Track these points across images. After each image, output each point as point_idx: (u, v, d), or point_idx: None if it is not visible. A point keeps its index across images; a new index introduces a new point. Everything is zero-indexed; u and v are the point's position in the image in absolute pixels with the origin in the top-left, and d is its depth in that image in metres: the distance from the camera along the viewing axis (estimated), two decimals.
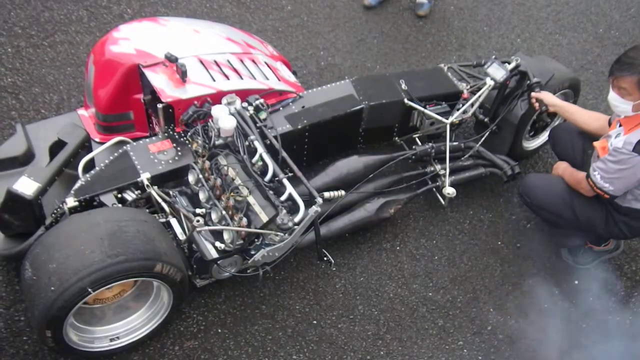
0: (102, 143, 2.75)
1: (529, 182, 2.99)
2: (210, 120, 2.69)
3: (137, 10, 4.11)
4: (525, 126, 3.35)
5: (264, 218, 2.40)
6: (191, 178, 2.60)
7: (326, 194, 2.83)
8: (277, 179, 2.51)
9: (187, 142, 2.68)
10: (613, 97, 2.57)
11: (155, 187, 2.49)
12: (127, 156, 2.56)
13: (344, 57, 4.13)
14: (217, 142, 2.65)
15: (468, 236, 3.25)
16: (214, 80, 2.78)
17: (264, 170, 2.54)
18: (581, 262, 3.15)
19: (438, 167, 3.18)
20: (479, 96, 3.18)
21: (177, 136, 2.70)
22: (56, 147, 2.57)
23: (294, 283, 2.91)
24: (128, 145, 2.63)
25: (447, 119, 3.15)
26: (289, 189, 2.48)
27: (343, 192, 2.90)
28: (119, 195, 2.48)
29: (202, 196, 2.54)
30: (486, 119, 3.31)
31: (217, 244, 2.41)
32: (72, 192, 2.41)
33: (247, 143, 2.61)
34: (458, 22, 4.58)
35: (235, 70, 2.90)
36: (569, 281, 3.11)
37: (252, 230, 2.40)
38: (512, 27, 4.63)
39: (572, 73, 3.55)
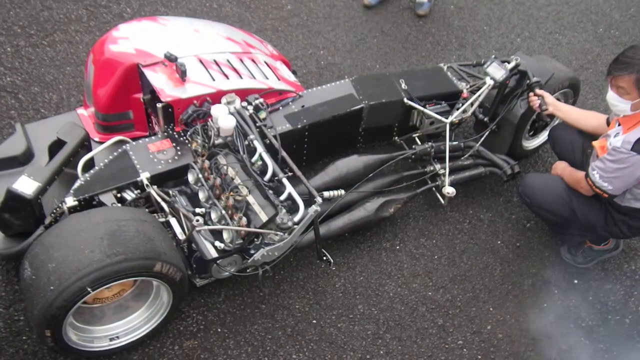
0: (101, 142, 2.76)
1: (529, 182, 2.99)
2: (209, 119, 2.69)
3: (137, 10, 4.11)
4: (524, 126, 3.35)
5: (264, 217, 2.40)
6: (191, 177, 2.60)
7: (326, 194, 2.83)
8: (276, 178, 2.51)
9: (186, 141, 2.68)
10: (611, 96, 2.57)
11: (155, 187, 2.49)
12: (127, 156, 2.56)
13: (343, 57, 4.13)
14: (216, 142, 2.65)
15: (468, 235, 3.25)
16: (214, 80, 2.78)
17: (263, 170, 2.54)
18: (581, 262, 3.15)
19: (438, 166, 3.18)
20: (479, 96, 3.18)
21: (176, 136, 2.70)
22: (55, 147, 2.57)
23: (294, 282, 2.91)
24: (127, 145, 2.63)
25: (447, 118, 3.15)
26: (289, 188, 2.48)
27: (343, 192, 2.90)
28: (119, 195, 2.48)
29: (201, 196, 2.54)
30: (486, 119, 3.31)
31: (217, 243, 2.41)
32: (71, 191, 2.41)
33: (246, 142, 2.61)
34: (458, 22, 4.58)
35: (235, 70, 2.90)
36: (568, 280, 3.11)
37: (252, 229, 2.40)
38: (512, 27, 4.63)
39: (572, 72, 3.55)
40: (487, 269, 3.12)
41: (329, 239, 2.96)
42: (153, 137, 2.68)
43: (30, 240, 2.36)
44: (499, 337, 2.86)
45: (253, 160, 2.56)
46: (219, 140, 2.66)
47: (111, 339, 2.48)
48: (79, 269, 2.06)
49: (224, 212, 2.44)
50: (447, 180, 3.13)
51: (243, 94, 2.79)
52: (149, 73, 2.68)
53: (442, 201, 3.22)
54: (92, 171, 2.49)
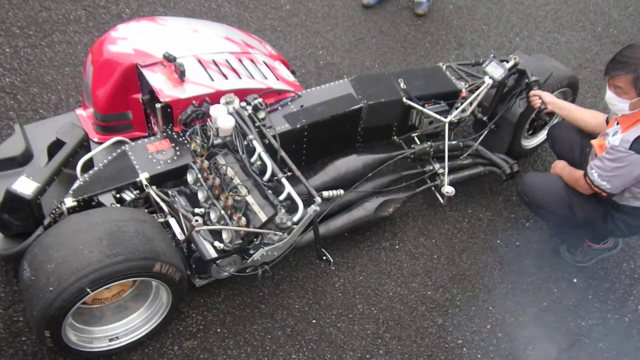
0: (100, 143, 2.75)
1: (528, 181, 2.99)
2: (208, 119, 2.69)
3: (136, 10, 4.11)
4: (523, 125, 3.35)
5: (263, 217, 2.40)
6: (190, 178, 2.60)
7: (325, 193, 2.83)
8: (275, 178, 2.51)
9: (185, 141, 2.68)
10: (610, 96, 2.58)
11: (154, 187, 2.49)
12: (126, 156, 2.56)
13: (342, 56, 4.13)
14: (215, 142, 2.65)
15: (467, 235, 3.25)
16: (213, 80, 2.78)
17: (262, 170, 2.54)
18: (580, 260, 3.16)
19: (437, 165, 3.18)
20: (478, 95, 3.18)
21: (175, 136, 2.70)
22: (54, 147, 2.57)
23: (293, 282, 2.91)
24: (126, 145, 2.63)
25: (446, 117, 3.15)
26: (288, 188, 2.48)
27: (342, 192, 2.90)
28: (118, 195, 2.48)
29: (200, 196, 2.54)
30: (485, 118, 3.31)
31: (216, 243, 2.41)
32: (70, 192, 2.41)
33: (245, 142, 2.61)
34: (457, 21, 4.58)
35: (234, 70, 2.90)
36: (567, 279, 3.12)
37: (251, 229, 2.39)
38: (511, 26, 4.63)
39: (571, 71, 3.55)
40: (486, 268, 3.12)
41: (328, 238, 2.96)
42: (152, 138, 2.69)
43: (29, 240, 2.36)
44: (499, 336, 2.86)
45: (252, 160, 2.56)
46: (218, 141, 2.65)
47: (111, 340, 2.48)
48: (78, 269, 2.06)
49: (223, 212, 2.44)
50: (446, 179, 3.13)
51: (242, 94, 2.79)
52: (147, 73, 2.67)
53: (442, 200, 3.22)
54: (91, 172, 2.49)
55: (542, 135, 3.58)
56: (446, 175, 3.14)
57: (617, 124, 2.63)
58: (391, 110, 3.21)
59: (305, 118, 2.94)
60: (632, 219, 2.76)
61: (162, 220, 2.48)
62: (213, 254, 2.40)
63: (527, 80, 3.16)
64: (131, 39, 2.81)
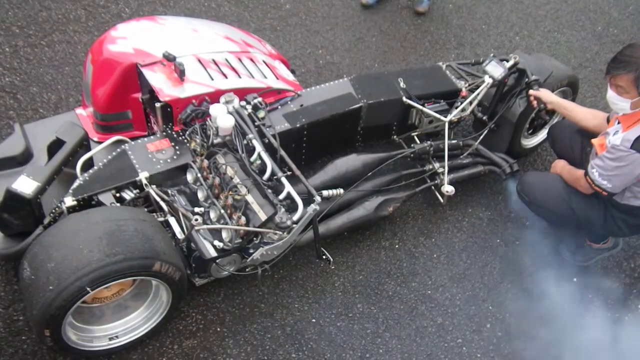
0: (100, 142, 2.75)
1: (528, 180, 2.99)
2: (208, 119, 2.69)
3: (135, 9, 4.11)
4: (523, 124, 3.35)
5: (263, 217, 2.40)
6: (190, 177, 2.60)
7: (325, 193, 2.83)
8: (275, 177, 2.51)
9: (185, 141, 2.68)
10: (611, 95, 2.57)
11: (154, 186, 2.49)
12: (126, 155, 2.56)
13: (342, 56, 4.13)
14: (215, 141, 2.65)
15: (467, 234, 3.25)
16: (212, 79, 2.78)
17: (262, 169, 2.54)
18: (580, 260, 3.15)
19: (437, 165, 3.18)
20: (478, 94, 3.18)
21: (175, 135, 2.70)
22: (54, 146, 2.57)
23: (293, 281, 2.91)
24: (126, 145, 2.63)
25: (446, 117, 3.15)
26: (288, 187, 2.48)
27: (342, 191, 2.90)
28: (117, 195, 2.48)
29: (200, 195, 2.54)
30: (485, 117, 3.31)
31: (216, 242, 2.41)
32: (70, 191, 2.41)
33: (245, 142, 2.61)
34: (457, 21, 4.58)
35: (234, 69, 2.90)
36: (567, 279, 3.11)
37: (251, 228, 2.40)
38: (511, 25, 4.63)
39: (571, 71, 3.55)
40: (486, 268, 3.12)
41: (328, 238, 2.96)
42: (152, 137, 2.69)
43: (29, 240, 2.36)
44: (499, 336, 2.86)
45: (252, 159, 2.56)
46: (218, 140, 2.65)
47: (110, 339, 2.48)
48: (78, 268, 2.06)
49: (223, 211, 2.44)
50: (446, 178, 3.13)
51: (242, 93, 2.79)
52: (147, 73, 2.67)
53: (441, 200, 3.22)
54: (91, 171, 2.49)
55: (542, 135, 3.58)
56: (446, 174, 3.14)
57: (618, 123, 2.63)
58: (391, 110, 3.21)
59: (305, 117, 2.94)
60: (632, 218, 2.76)
61: (161, 219, 2.48)
62: (213, 253, 2.40)
63: (527, 80, 3.15)
64: (131, 39, 2.81)
